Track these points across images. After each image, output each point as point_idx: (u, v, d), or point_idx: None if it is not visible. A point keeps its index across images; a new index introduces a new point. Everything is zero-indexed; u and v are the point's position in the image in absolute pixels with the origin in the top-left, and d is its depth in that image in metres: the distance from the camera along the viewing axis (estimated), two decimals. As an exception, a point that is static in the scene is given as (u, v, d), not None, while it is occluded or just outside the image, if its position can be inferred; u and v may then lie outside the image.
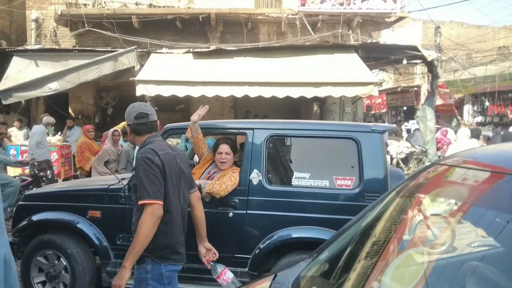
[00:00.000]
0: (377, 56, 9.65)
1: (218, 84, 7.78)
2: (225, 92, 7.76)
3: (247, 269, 3.06)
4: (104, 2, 9.89)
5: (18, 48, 9.64)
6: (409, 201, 1.56)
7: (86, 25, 9.69)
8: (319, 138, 3.29)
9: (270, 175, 3.17)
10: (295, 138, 3.39)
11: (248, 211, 3.08)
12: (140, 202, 2.12)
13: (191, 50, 8.83)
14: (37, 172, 6.04)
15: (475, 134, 8.01)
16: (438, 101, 14.01)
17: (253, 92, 7.58)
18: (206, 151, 3.46)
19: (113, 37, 9.74)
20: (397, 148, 9.20)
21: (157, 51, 8.96)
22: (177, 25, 10.00)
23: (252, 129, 3.21)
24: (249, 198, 3.09)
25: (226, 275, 2.60)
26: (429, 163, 8.13)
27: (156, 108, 8.64)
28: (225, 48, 8.81)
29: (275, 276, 1.64)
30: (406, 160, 9.22)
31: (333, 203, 3.01)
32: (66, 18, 9.71)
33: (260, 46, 8.97)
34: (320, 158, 3.50)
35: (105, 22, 9.67)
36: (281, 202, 3.07)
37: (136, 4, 10.03)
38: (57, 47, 9.95)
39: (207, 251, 2.62)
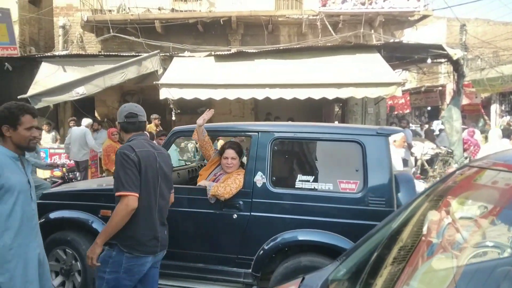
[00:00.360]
0: (400, 55, 9.48)
1: (239, 87, 7.84)
2: (246, 94, 7.81)
3: (250, 270, 3.09)
4: (128, 8, 10.13)
5: (46, 54, 9.99)
6: (437, 205, 1.54)
7: (111, 30, 9.95)
8: (324, 141, 3.30)
9: (274, 178, 3.17)
10: (300, 141, 3.41)
11: (252, 213, 3.11)
12: (116, 194, 2.29)
13: (213, 53, 8.93)
14: (67, 174, 6.26)
15: (506, 134, 7.76)
16: (464, 101, 13.64)
17: (274, 94, 7.59)
18: (213, 152, 3.56)
19: (137, 42, 9.97)
20: (422, 149, 9.01)
21: (179, 54, 9.11)
22: (198, 29, 10.14)
23: (257, 132, 3.25)
24: (253, 200, 3.12)
25: None
26: (456, 165, 7.94)
27: (179, 111, 8.84)
28: (246, 50, 8.86)
29: (303, 278, 1.65)
30: (431, 161, 9.00)
31: (337, 207, 2.99)
32: (92, 24, 9.99)
33: (281, 47, 8.97)
34: (324, 161, 3.50)
35: (129, 28, 9.91)
36: (284, 205, 3.08)
37: (159, 9, 10.22)
38: (83, 53, 10.26)
39: None
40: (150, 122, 8.02)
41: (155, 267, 2.56)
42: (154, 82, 8.19)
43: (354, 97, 7.87)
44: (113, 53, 9.43)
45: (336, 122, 13.97)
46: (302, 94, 7.53)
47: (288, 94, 7.55)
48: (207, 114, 3.31)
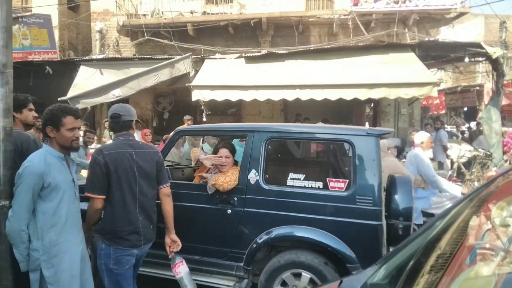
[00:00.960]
0: (435, 54, 9.18)
1: (269, 88, 7.85)
2: (276, 95, 7.82)
3: (242, 263, 3.23)
4: (162, 12, 10.40)
5: (84, 58, 10.43)
6: (479, 210, 1.49)
7: (145, 34, 10.25)
8: (316, 141, 3.42)
9: (267, 176, 3.28)
10: (293, 141, 3.55)
11: (245, 209, 3.24)
12: (85, 194, 2.58)
13: (243, 55, 9.01)
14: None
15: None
16: (504, 101, 12.98)
17: (305, 95, 7.56)
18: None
19: (170, 45, 10.22)
20: (459, 151, 8.68)
21: (211, 57, 9.25)
22: (229, 31, 10.26)
23: (253, 131, 3.39)
24: (246, 196, 3.25)
25: (179, 268, 2.90)
26: (495, 168, 7.58)
27: (209, 112, 8.97)
28: (276, 51, 8.87)
29: (341, 282, 1.64)
30: (468, 164, 8.65)
31: (325, 205, 3.06)
32: (127, 28, 10.34)
33: (312, 48, 8.91)
34: (315, 160, 3.69)
35: (162, 31, 10.17)
36: (276, 202, 3.18)
37: (191, 12, 10.43)
38: (119, 56, 10.62)
39: (172, 242, 2.90)
40: (183, 123, 8.18)
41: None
42: (186, 84, 8.35)
43: (387, 97, 7.69)
44: (147, 56, 9.69)
45: (367, 124, 13.70)
46: (333, 95, 7.45)
47: (318, 95, 7.49)
48: (217, 161, 3.43)
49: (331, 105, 8.85)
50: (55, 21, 10.86)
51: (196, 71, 8.94)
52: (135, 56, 10.20)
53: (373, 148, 3.02)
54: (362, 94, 7.37)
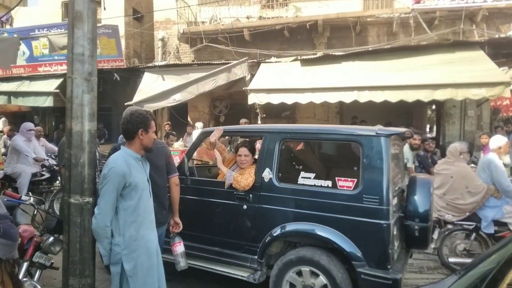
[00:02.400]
0: (507, 52, 8.48)
1: (326, 90, 7.76)
2: (333, 98, 7.70)
3: (256, 256, 3.44)
4: (220, 19, 10.70)
5: (148, 65, 11.04)
6: None
7: (203, 40, 10.62)
8: (327, 141, 3.63)
9: (280, 174, 3.45)
10: (305, 141, 3.81)
11: (259, 205, 3.44)
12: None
13: (299, 57, 8.99)
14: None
15: None
16: None
17: (363, 97, 7.36)
18: (227, 154, 4.13)
19: (227, 50, 10.48)
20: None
21: (266, 60, 9.35)
22: (284, 34, 10.29)
23: (268, 132, 3.59)
24: (260, 193, 3.45)
25: (177, 247, 3.21)
26: None
27: (264, 115, 9.06)
28: (333, 53, 8.74)
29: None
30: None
31: (334, 203, 3.15)
32: (187, 35, 10.78)
33: (370, 49, 8.66)
34: (326, 159, 3.88)
35: (220, 37, 10.46)
36: (287, 199, 3.34)
37: (247, 17, 10.63)
38: (179, 62, 11.10)
39: (175, 224, 3.27)
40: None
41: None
42: (243, 88, 8.52)
43: (453, 99, 7.25)
44: (205, 62, 10.04)
45: (428, 127, 13.00)
46: (393, 97, 7.17)
47: (378, 97, 7.26)
48: (218, 132, 3.82)
49: (389, 108, 8.53)
50: (121, 31, 11.61)
51: (252, 75, 9.09)
52: (194, 62, 10.60)
53: (381, 148, 3.06)
54: (426, 96, 7.02)
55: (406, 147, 6.06)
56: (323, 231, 3.15)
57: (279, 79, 8.46)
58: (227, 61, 9.52)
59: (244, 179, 3.45)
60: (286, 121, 11.01)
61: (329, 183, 3.26)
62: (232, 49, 10.24)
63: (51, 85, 10.32)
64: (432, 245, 4.88)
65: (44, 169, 6.53)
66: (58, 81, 10.44)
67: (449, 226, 4.62)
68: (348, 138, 3.38)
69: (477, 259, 1.68)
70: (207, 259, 3.65)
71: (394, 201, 3.20)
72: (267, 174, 3.45)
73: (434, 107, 12.48)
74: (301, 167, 3.77)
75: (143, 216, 2.52)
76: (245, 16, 10.67)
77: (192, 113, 12.27)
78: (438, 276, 4.40)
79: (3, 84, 11.20)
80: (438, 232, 4.80)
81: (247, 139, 4.30)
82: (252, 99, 8.31)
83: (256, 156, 3.88)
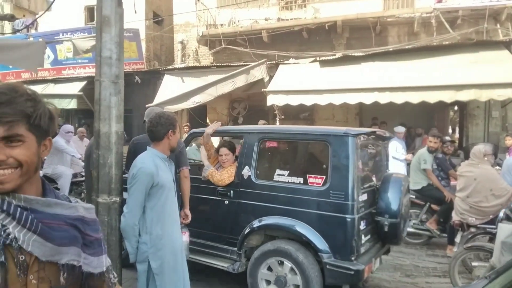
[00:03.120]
0: (534, 51, 8.23)
1: (345, 92, 7.70)
2: (353, 99, 7.64)
3: (236, 248, 3.70)
4: (238, 21, 10.77)
5: (168, 67, 11.20)
6: None
7: (222, 43, 10.70)
8: (300, 141, 3.87)
9: (258, 171, 3.72)
10: (281, 141, 4.08)
11: (238, 200, 3.72)
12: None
13: (317, 58, 8.95)
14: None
15: None
16: None
17: (384, 98, 7.27)
18: (214, 152, 4.30)
19: (245, 52, 10.53)
20: None
21: (285, 62, 9.34)
22: (303, 36, 10.26)
23: (248, 133, 3.89)
24: (240, 189, 3.72)
25: (183, 237, 3.19)
26: None
27: (283, 116, 9.06)
28: (352, 54, 8.67)
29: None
30: None
31: (305, 198, 3.40)
32: (206, 38, 10.88)
33: (391, 49, 8.55)
34: (299, 158, 4.14)
35: (238, 39, 10.51)
36: (264, 195, 3.61)
37: (266, 19, 10.65)
38: (198, 65, 11.22)
39: (184, 215, 3.38)
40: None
41: None
42: (261, 90, 8.54)
43: (476, 100, 7.09)
44: (224, 64, 10.10)
45: (450, 128, 12.72)
46: (415, 98, 7.06)
47: (399, 98, 7.16)
48: (216, 125, 4.12)
49: (410, 109, 8.41)
50: (142, 35, 11.83)
51: (271, 77, 9.10)
52: (213, 64, 10.69)
53: (348, 147, 3.27)
54: (449, 97, 6.89)
55: (424, 150, 5.97)
56: (293, 225, 3.41)
57: (298, 81, 8.44)
58: (245, 63, 9.56)
59: (218, 174, 3.74)
60: (304, 122, 10.97)
61: (301, 179, 3.51)
62: (251, 51, 10.28)
63: (75, 88, 10.60)
64: (455, 249, 4.79)
65: (83, 170, 6.73)
66: (82, 84, 10.72)
67: (472, 230, 4.53)
68: (318, 138, 3.65)
69: (508, 262, 1.65)
70: (193, 251, 3.81)
71: (363, 197, 3.43)
72: (246, 172, 3.71)
73: (456, 108, 12.22)
74: (276, 164, 4.07)
75: (168, 215, 2.57)
76: (263, 18, 10.70)
77: (210, 114, 12.37)
78: (463, 280, 4.30)
79: (29, 87, 11.54)
80: (461, 236, 4.71)
81: (227, 140, 4.64)
82: (271, 100, 8.32)
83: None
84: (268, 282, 3.53)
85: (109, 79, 2.69)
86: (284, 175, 3.63)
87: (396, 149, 7.85)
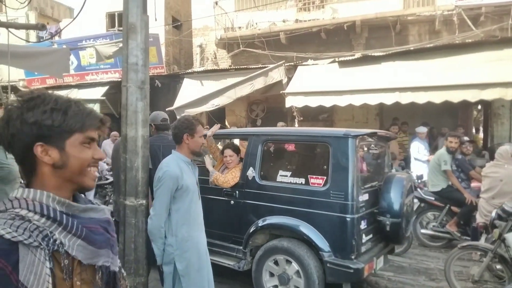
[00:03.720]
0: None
1: (365, 92, 7.62)
2: (373, 99, 7.55)
3: (241, 247, 3.81)
4: (256, 23, 10.82)
5: (187, 71, 11.34)
6: None
7: (240, 46, 10.76)
8: (302, 143, 3.98)
9: (262, 172, 3.85)
10: (284, 143, 4.25)
11: (243, 201, 3.84)
12: None
13: (336, 59, 8.89)
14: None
15: None
16: None
17: (405, 98, 7.16)
18: (219, 154, 4.38)
19: (263, 54, 10.56)
20: None
21: (303, 63, 9.32)
22: (321, 36, 10.22)
23: (252, 135, 4.00)
24: (245, 190, 3.84)
25: None
26: None
27: (301, 118, 9.04)
28: (372, 54, 8.58)
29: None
30: None
31: (306, 198, 3.49)
32: (224, 41, 10.97)
33: (412, 48, 8.41)
34: (301, 159, 4.28)
35: (256, 41, 10.56)
36: (268, 195, 3.72)
37: (284, 21, 10.66)
38: (216, 68, 11.32)
39: None
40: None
41: None
42: (280, 92, 8.55)
43: (502, 98, 6.90)
44: (242, 67, 10.17)
45: (474, 128, 12.39)
46: (437, 97, 6.91)
47: (421, 98, 7.03)
48: (215, 128, 4.18)
49: (432, 108, 8.24)
50: (162, 39, 12.02)
51: (289, 78, 9.09)
52: (231, 67, 10.76)
53: (347, 148, 3.34)
54: (473, 96, 6.71)
55: (443, 150, 5.86)
56: (295, 224, 3.50)
57: (317, 82, 8.40)
58: (263, 65, 9.59)
59: (222, 177, 3.86)
60: (323, 123, 10.91)
61: (303, 180, 3.61)
62: (269, 53, 10.30)
63: (98, 93, 10.86)
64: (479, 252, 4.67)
65: (108, 172, 6.91)
66: (104, 89, 10.97)
67: (497, 232, 4.41)
68: (319, 140, 3.76)
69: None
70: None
71: (364, 197, 3.49)
72: (250, 173, 3.83)
73: (480, 107, 11.91)
74: (280, 165, 4.22)
75: (193, 217, 2.61)
76: (281, 20, 10.71)
77: (229, 117, 12.46)
78: (490, 285, 4.20)
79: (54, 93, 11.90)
80: (485, 238, 4.60)
81: (231, 141, 4.75)
82: (290, 102, 8.31)
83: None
84: (271, 276, 3.68)
85: (135, 84, 2.76)
86: (286, 175, 3.75)
87: (418, 150, 7.72)
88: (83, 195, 1.15)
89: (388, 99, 7.34)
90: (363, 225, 3.42)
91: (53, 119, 0.97)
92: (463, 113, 11.59)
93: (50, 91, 1.06)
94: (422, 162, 7.50)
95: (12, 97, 12.37)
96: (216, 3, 11.02)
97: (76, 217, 1.04)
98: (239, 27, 11.07)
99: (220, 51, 11.88)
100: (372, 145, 4.35)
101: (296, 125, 9.13)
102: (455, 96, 6.81)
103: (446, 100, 6.88)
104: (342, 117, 10.71)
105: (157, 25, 11.03)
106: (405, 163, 7.45)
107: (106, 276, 1.08)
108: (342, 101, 7.82)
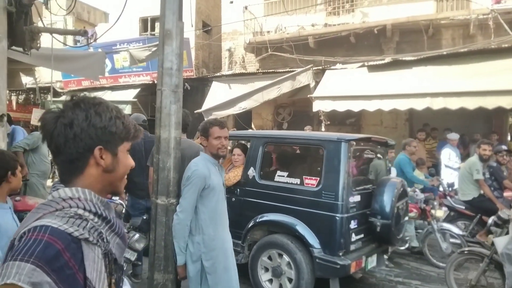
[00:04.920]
0: None
1: (395, 97, 7.51)
2: (403, 105, 7.43)
3: (240, 241, 4.04)
4: (285, 28, 10.87)
5: (215, 74, 11.53)
6: None
7: (268, 49, 10.84)
8: (299, 145, 4.27)
9: (261, 172, 4.12)
10: (283, 145, 4.59)
11: (244, 198, 4.10)
12: None
13: (366, 63, 8.81)
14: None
15: None
16: None
17: (437, 104, 7.00)
18: (228, 152, 4.47)
19: (291, 58, 10.59)
20: None
21: (332, 67, 9.28)
22: (350, 41, 10.13)
23: (254, 137, 4.33)
24: (245, 188, 4.10)
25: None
26: None
27: (328, 122, 8.99)
28: (403, 58, 8.44)
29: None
30: None
31: (301, 198, 3.73)
32: (253, 45, 11.08)
33: (445, 52, 8.21)
34: (297, 160, 4.59)
35: (284, 45, 10.61)
36: (266, 193, 3.97)
37: (312, 25, 10.65)
38: (244, 71, 11.44)
39: None
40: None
41: None
42: (308, 96, 8.55)
43: (541, 105, 6.62)
44: (270, 70, 10.23)
45: (509, 135, 11.86)
46: (471, 104, 6.72)
47: (453, 104, 6.85)
48: None
49: (465, 115, 8.00)
50: (192, 43, 12.28)
51: (317, 82, 9.07)
52: (259, 71, 10.86)
53: (340, 151, 3.57)
54: (509, 102, 6.49)
55: (475, 158, 5.67)
56: (288, 221, 3.74)
57: (345, 86, 8.35)
58: (291, 69, 9.62)
59: (225, 175, 3.99)
60: (350, 128, 10.80)
61: (298, 180, 3.85)
62: (297, 57, 10.32)
63: (130, 95, 11.24)
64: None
65: None
66: (136, 91, 11.33)
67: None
68: (314, 143, 4.02)
69: None
70: None
71: (355, 198, 3.71)
72: (251, 172, 4.09)
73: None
74: (278, 166, 4.49)
75: (219, 216, 2.68)
76: (310, 24, 10.71)
77: (256, 120, 12.54)
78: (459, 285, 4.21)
79: (88, 94, 12.40)
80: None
81: (241, 142, 4.94)
82: (317, 106, 8.30)
83: None
84: (266, 269, 3.94)
85: (169, 88, 2.87)
86: (284, 176, 4.00)
87: (449, 157, 7.52)
88: None
89: (419, 104, 7.20)
90: (353, 224, 3.63)
91: (117, 127, 1.04)
92: (498, 120, 11.15)
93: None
94: (453, 169, 7.30)
95: (49, 97, 12.99)
96: (246, 7, 11.15)
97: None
98: (268, 31, 11.15)
99: (248, 55, 12.00)
100: (368, 150, 4.59)
101: (323, 129, 9.09)
102: (490, 102, 6.60)
103: (480, 106, 6.68)
104: (370, 122, 10.56)
105: (188, 30, 11.26)
106: (435, 170, 7.27)
107: (122, 273, 1.13)
108: (370, 106, 7.74)
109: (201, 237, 2.64)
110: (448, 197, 5.82)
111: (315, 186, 3.71)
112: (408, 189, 5.55)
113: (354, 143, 3.88)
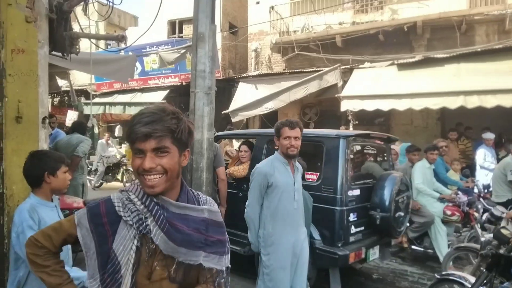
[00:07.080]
0: None
1: (427, 96, 7.32)
2: (435, 103, 7.23)
3: (247, 234, 4.09)
4: (311, 27, 10.80)
5: (242, 75, 11.60)
6: None
7: (295, 49, 10.80)
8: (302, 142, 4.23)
9: None
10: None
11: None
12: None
13: (395, 62, 8.63)
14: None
15: None
16: None
17: (471, 102, 6.77)
18: (234, 149, 5.01)
19: (317, 57, 10.51)
20: None
21: (360, 66, 9.14)
22: (379, 38, 9.94)
23: (258, 135, 4.63)
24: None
25: None
26: None
27: (357, 122, 8.86)
28: (434, 56, 8.21)
29: None
30: None
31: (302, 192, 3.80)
32: (279, 45, 11.07)
33: (479, 49, 7.92)
34: (299, 156, 4.58)
35: (311, 45, 10.53)
36: None
37: (340, 24, 10.53)
38: (271, 72, 11.45)
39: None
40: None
41: None
42: (335, 95, 8.46)
43: None
44: (297, 70, 10.19)
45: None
46: (508, 102, 6.47)
47: (489, 102, 6.61)
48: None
49: (501, 113, 7.67)
50: (218, 44, 12.42)
51: (344, 82, 8.97)
52: (285, 71, 10.84)
53: (338, 147, 3.73)
54: (549, 99, 6.20)
55: (510, 159, 5.43)
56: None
57: (374, 85, 8.22)
58: (318, 69, 9.55)
59: (236, 167, 4.51)
60: (379, 128, 10.58)
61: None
62: (324, 56, 10.23)
63: (159, 96, 11.50)
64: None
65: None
66: (165, 93, 11.58)
67: None
68: (315, 139, 4.13)
69: None
70: None
71: (355, 192, 3.84)
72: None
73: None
74: None
75: (281, 215, 2.72)
76: (337, 23, 10.59)
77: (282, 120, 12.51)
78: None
79: (119, 96, 12.81)
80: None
81: (248, 139, 5.13)
82: (345, 105, 8.21)
83: None
84: None
85: (202, 90, 2.93)
86: None
87: (484, 157, 7.24)
88: (194, 195, 1.31)
89: (452, 103, 6.99)
90: (352, 217, 3.77)
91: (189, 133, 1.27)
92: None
93: None
94: (489, 170, 7.02)
95: (82, 99, 13.43)
96: (272, 8, 11.15)
97: (168, 211, 1.18)
98: (294, 31, 11.11)
99: (275, 55, 12.00)
100: (368, 146, 4.73)
101: (351, 129, 8.97)
102: (528, 100, 6.32)
103: (518, 105, 6.41)
104: (399, 121, 10.33)
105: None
106: (470, 171, 7.02)
107: (186, 271, 1.20)
108: (400, 105, 7.58)
109: (261, 231, 2.77)
110: (481, 199, 5.62)
111: (315, 180, 3.88)
112: (449, 192, 5.41)
113: (353, 139, 4.04)
